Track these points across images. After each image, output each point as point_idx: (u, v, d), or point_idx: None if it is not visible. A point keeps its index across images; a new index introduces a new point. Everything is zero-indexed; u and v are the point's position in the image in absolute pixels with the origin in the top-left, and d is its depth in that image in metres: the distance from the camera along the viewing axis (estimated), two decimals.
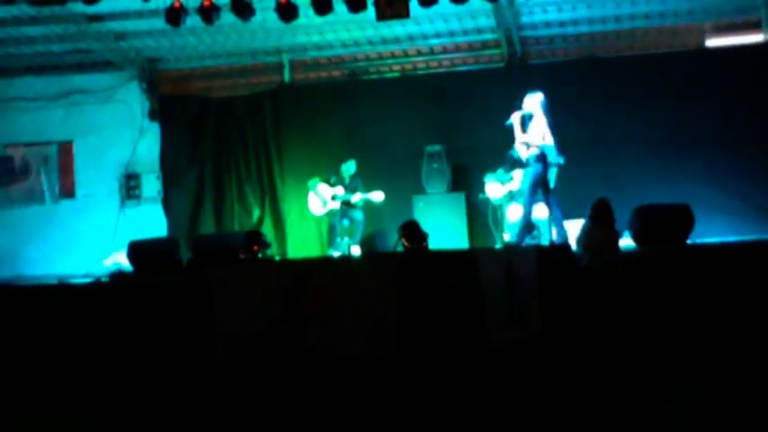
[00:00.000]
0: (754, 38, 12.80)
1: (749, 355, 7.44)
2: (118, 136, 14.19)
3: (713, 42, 13.11)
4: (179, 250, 10.50)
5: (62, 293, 9.06)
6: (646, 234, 9.08)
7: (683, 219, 9.04)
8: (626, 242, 10.36)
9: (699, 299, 7.79)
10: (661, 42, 13.40)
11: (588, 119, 12.60)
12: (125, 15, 12.41)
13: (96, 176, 14.27)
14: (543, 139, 10.71)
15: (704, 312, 7.64)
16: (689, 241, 9.05)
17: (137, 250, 10.46)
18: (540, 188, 10.73)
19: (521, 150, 10.96)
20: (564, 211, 11.57)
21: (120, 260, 12.13)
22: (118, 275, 10.41)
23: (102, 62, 14.15)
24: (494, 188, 11.76)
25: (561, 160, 10.91)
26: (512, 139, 11.61)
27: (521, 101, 12.22)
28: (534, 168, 10.70)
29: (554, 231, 10.61)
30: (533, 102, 10.98)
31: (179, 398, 7.59)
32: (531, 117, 10.91)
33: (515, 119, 10.96)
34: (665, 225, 8.97)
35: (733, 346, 7.51)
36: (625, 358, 7.35)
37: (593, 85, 12.76)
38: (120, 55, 13.86)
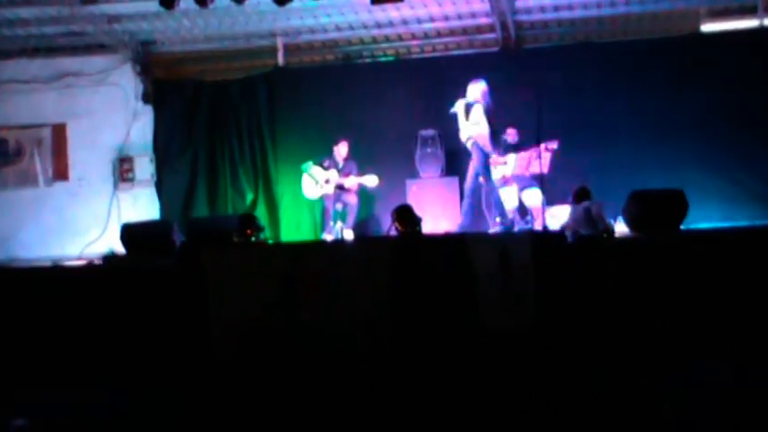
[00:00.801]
0: (749, 23, 12.81)
1: (743, 341, 7.45)
2: (111, 119, 14.17)
3: (708, 27, 13.11)
4: (172, 233, 10.46)
5: (56, 276, 9.06)
6: (640, 219, 9.06)
7: (677, 204, 9.02)
8: (620, 227, 10.38)
9: (692, 285, 7.78)
10: (656, 27, 13.38)
11: (583, 104, 12.62)
12: None
13: (90, 159, 14.24)
14: (476, 128, 11.12)
15: (697, 299, 7.64)
16: (683, 227, 9.04)
17: (130, 233, 10.42)
18: (483, 176, 11.11)
19: (464, 139, 11.06)
20: (558, 196, 11.63)
21: (112, 243, 12.14)
22: (111, 258, 10.40)
23: (95, 45, 14.09)
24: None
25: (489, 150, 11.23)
26: (502, 124, 11.68)
27: (515, 85, 12.29)
28: (478, 156, 11.09)
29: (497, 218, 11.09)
30: (476, 90, 11.22)
31: (173, 383, 7.59)
32: (473, 105, 11.20)
33: (459, 108, 11.08)
34: (660, 210, 8.95)
35: (727, 333, 7.52)
36: (620, 344, 7.36)
37: (588, 69, 12.75)
38: (114, 38, 13.79)
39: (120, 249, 10.83)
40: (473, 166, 11.39)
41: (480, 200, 11.52)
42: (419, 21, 13.50)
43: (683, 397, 6.43)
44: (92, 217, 13.96)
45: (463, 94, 11.57)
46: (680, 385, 6.62)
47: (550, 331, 7.27)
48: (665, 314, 7.45)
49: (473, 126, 11.24)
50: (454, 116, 11.42)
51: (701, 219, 10.42)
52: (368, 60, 14.44)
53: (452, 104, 11.71)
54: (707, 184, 11.69)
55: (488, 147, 11.31)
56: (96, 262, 9.88)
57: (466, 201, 11.54)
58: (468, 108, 11.31)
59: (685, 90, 12.36)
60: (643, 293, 7.46)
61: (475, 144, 11.25)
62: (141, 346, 7.95)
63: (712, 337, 7.40)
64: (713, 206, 11.47)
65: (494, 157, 11.60)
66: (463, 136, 11.41)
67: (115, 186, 14.19)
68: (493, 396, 6.71)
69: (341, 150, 12.45)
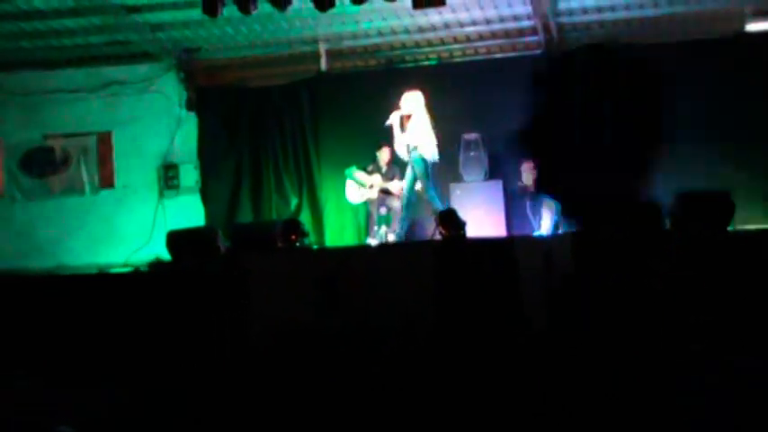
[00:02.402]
0: None
1: None
2: (156, 126, 14.29)
3: (754, 27, 12.96)
4: (217, 239, 10.53)
5: (102, 283, 9.15)
6: (685, 221, 9.00)
7: (723, 205, 8.95)
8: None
9: (738, 286, 7.72)
10: (700, 28, 13.24)
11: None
12: (162, 6, 12.45)
13: (135, 167, 14.37)
14: (423, 137, 11.22)
15: (743, 299, 7.57)
16: (729, 228, 8.96)
17: (175, 239, 10.49)
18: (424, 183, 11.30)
19: (400, 151, 11.32)
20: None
21: (158, 250, 12.22)
22: (157, 264, 10.48)
23: (139, 53, 14.21)
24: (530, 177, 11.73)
25: (436, 159, 11.41)
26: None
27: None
28: (421, 167, 11.21)
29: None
30: (412, 101, 11.36)
31: (218, 385, 7.64)
32: (409, 117, 11.32)
33: (394, 119, 11.27)
34: (705, 211, 8.88)
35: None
36: (663, 343, 7.32)
37: (631, 71, 12.66)
38: (158, 46, 13.91)
39: (165, 256, 10.91)
40: (409, 177, 11.51)
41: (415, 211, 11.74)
42: (461, 24, 13.47)
43: (722, 393, 6.38)
44: (137, 224, 14.08)
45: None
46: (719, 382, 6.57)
47: (591, 332, 7.25)
48: (709, 312, 7.40)
49: (416, 136, 11.35)
50: (389, 128, 11.52)
51: (748, 221, 10.31)
52: (410, 65, 14.42)
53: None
54: (754, 186, 11.56)
55: (436, 155, 11.46)
56: (142, 269, 9.95)
57: (403, 212, 11.62)
58: (403, 119, 11.45)
59: (731, 90, 12.24)
60: (687, 292, 7.41)
61: (416, 154, 11.35)
62: (187, 350, 8.02)
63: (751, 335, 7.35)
64: (760, 208, 11.34)
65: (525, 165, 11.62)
66: (400, 147, 11.54)
67: (160, 193, 14.31)
68: (536, 396, 6.69)
69: (384, 155, 12.45)
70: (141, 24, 13.15)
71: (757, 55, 12.33)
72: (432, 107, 11.74)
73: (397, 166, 12.42)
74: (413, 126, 11.37)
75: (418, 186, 11.53)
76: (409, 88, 11.63)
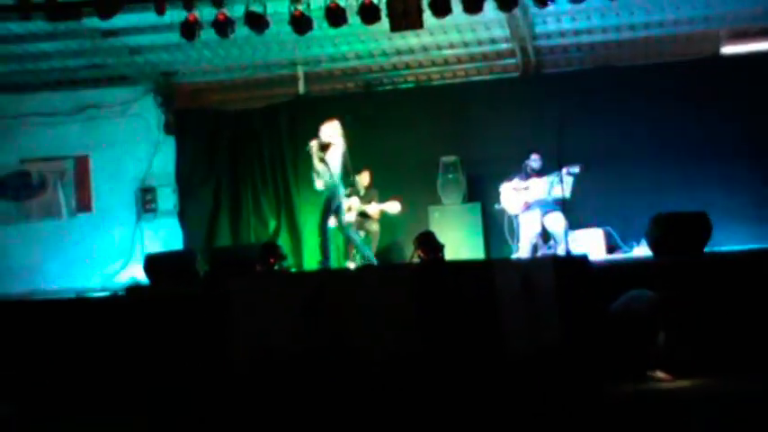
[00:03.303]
0: None
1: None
2: (134, 150, 14.24)
3: (729, 49, 13.07)
4: (196, 263, 10.50)
5: (79, 307, 9.09)
6: (663, 242, 9.03)
7: (700, 227, 8.99)
8: (643, 250, 10.34)
9: (716, 307, 7.75)
10: (676, 50, 13.36)
11: (604, 127, 12.59)
12: (140, 30, 12.40)
13: (112, 190, 14.31)
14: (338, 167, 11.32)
15: (721, 320, 7.61)
16: (706, 249, 9.00)
17: (153, 263, 10.46)
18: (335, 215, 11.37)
19: (318, 183, 11.47)
20: (580, 221, 11.64)
21: (136, 274, 12.17)
22: (134, 289, 10.44)
23: (117, 76, 14.19)
24: (509, 198, 11.75)
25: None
26: (525, 150, 11.70)
27: (536, 110, 12.32)
28: (331, 197, 11.32)
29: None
30: (331, 130, 11.47)
31: (197, 411, 7.59)
32: (326, 146, 11.40)
33: (313, 147, 11.39)
34: (683, 233, 8.92)
35: (752, 352, 7.48)
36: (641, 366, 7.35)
37: (609, 93, 12.73)
38: (136, 69, 13.90)
39: (143, 280, 10.86)
40: (329, 207, 11.48)
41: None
42: (439, 47, 13.53)
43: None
44: (115, 248, 14.01)
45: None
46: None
47: (574, 355, 7.24)
48: (689, 335, 7.42)
49: (335, 167, 11.41)
50: (308, 154, 11.64)
51: (726, 241, 10.36)
52: (388, 88, 14.47)
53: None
54: (731, 206, 11.60)
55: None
56: (120, 293, 9.91)
57: (324, 239, 11.54)
58: (323, 147, 11.49)
59: (706, 112, 12.34)
60: (670, 314, 7.43)
61: (336, 185, 11.43)
62: (165, 375, 7.97)
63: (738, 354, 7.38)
64: (738, 228, 11.39)
65: (516, 182, 11.62)
66: (315, 176, 11.63)
67: (138, 217, 14.25)
68: (517, 421, 6.67)
69: (363, 179, 12.44)
70: (119, 48, 13.14)
71: (732, 76, 12.43)
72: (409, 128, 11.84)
73: (376, 189, 12.42)
74: (332, 156, 11.44)
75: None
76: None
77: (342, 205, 11.45)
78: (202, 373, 7.82)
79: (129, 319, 8.45)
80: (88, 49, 13.04)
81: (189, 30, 11.05)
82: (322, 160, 11.36)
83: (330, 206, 11.36)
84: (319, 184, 11.55)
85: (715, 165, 12.25)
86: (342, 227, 11.50)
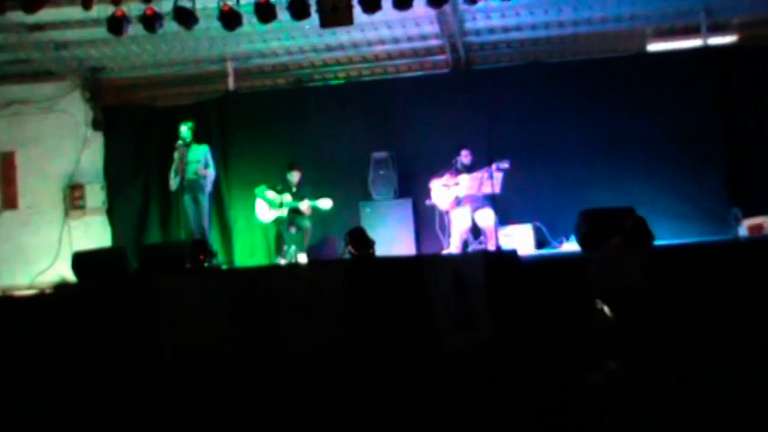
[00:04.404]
0: (694, 42, 12.99)
1: (694, 352, 7.55)
2: (61, 146, 14.02)
3: (654, 47, 13.27)
4: (125, 260, 10.40)
5: (5, 305, 8.96)
6: (591, 238, 9.14)
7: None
8: (572, 245, 10.46)
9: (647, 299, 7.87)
10: (604, 47, 13.52)
11: (533, 123, 12.70)
12: (66, 24, 12.23)
13: (39, 187, 14.07)
14: (203, 166, 12.09)
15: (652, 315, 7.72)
16: None
17: (81, 261, 10.34)
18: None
19: (172, 182, 12.10)
20: (511, 216, 11.75)
21: (64, 271, 12.01)
22: (62, 287, 10.30)
23: (43, 72, 13.97)
24: (440, 194, 11.81)
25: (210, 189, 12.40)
26: (456, 145, 11.77)
27: (466, 106, 12.40)
28: (203, 195, 12.13)
29: None
30: (186, 131, 12.19)
31: (127, 410, 7.52)
32: (187, 146, 12.14)
33: (178, 146, 12.09)
34: (610, 228, 9.03)
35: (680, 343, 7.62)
36: (574, 360, 7.43)
37: (538, 89, 12.84)
38: (62, 64, 13.69)
39: (71, 278, 10.73)
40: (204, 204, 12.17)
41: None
42: (369, 44, 13.53)
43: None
44: (42, 245, 13.79)
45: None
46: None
47: (505, 351, 7.30)
48: (620, 328, 7.52)
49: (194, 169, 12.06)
50: (175, 152, 12.15)
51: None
52: (319, 84, 14.43)
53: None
54: (657, 202, 11.76)
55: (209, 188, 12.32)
56: (48, 291, 9.77)
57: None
58: (185, 148, 12.12)
59: (633, 108, 12.51)
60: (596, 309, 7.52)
61: (199, 186, 12.10)
62: (94, 374, 7.88)
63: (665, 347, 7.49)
64: (664, 223, 11.53)
65: (446, 178, 11.68)
66: (173, 179, 12.15)
67: (66, 214, 14.04)
68: (448, 416, 6.72)
69: (294, 174, 12.41)
70: (45, 43, 12.93)
71: (658, 73, 12.61)
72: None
73: (308, 185, 12.40)
74: (191, 157, 12.08)
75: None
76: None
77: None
78: (131, 373, 7.76)
79: (57, 317, 8.34)
80: (13, 43, 12.82)
81: (117, 25, 10.93)
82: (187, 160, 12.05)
83: (204, 202, 12.20)
84: (173, 184, 12.12)
85: (642, 160, 12.42)
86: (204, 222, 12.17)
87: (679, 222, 11.93)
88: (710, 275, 8.00)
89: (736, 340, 7.58)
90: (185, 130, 12.19)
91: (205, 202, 12.20)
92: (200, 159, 12.15)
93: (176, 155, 12.10)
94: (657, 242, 10.19)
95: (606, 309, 7.45)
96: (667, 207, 12.00)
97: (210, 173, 12.22)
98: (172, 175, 12.13)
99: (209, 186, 12.26)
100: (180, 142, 12.11)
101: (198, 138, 12.90)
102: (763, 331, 7.61)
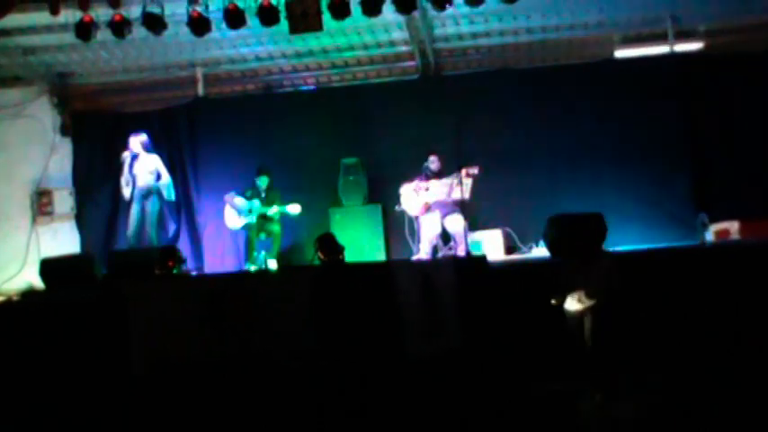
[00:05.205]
0: (661, 49, 13.10)
1: (663, 358, 7.59)
2: (29, 152, 13.91)
3: (622, 53, 13.37)
4: (93, 267, 10.32)
5: None
6: (559, 243, 9.18)
7: (595, 227, 9.15)
8: (541, 251, 10.49)
9: (613, 304, 7.91)
10: (572, 53, 13.62)
11: (502, 129, 12.76)
12: (33, 30, 12.18)
13: (7, 193, 13.94)
14: (154, 177, 12.20)
15: (617, 319, 7.77)
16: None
17: (49, 267, 10.24)
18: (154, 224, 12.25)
19: (125, 191, 12.27)
20: (480, 222, 11.78)
21: (31, 278, 11.92)
22: (30, 293, 10.22)
23: (10, 77, 13.88)
24: (410, 200, 11.82)
25: (173, 197, 12.61)
26: (425, 151, 11.80)
27: (435, 112, 12.45)
28: (152, 204, 12.16)
29: None
30: (136, 143, 12.27)
31: (96, 417, 7.48)
32: (136, 157, 12.23)
33: (126, 157, 12.18)
34: (579, 234, 9.08)
35: (648, 351, 7.66)
36: (544, 366, 7.46)
37: (507, 95, 12.91)
38: (30, 70, 13.61)
39: (39, 285, 10.64)
40: (149, 215, 12.22)
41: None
42: (339, 49, 13.54)
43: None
44: (10, 252, 13.67)
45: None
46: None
47: (475, 357, 7.32)
48: (587, 333, 7.56)
49: (149, 177, 12.22)
50: (123, 163, 12.25)
51: (620, 242, 10.56)
52: (288, 90, 14.43)
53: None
54: (625, 207, 11.84)
55: (173, 195, 12.52)
56: (15, 298, 9.69)
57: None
58: (134, 159, 12.27)
59: (601, 114, 12.60)
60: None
61: (150, 194, 12.20)
62: (61, 380, 7.84)
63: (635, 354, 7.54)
64: (632, 229, 11.62)
65: (416, 184, 11.70)
66: (123, 184, 12.27)
67: (34, 220, 13.95)
68: (417, 422, 6.73)
69: (263, 180, 12.40)
70: (12, 48, 12.86)
71: (626, 79, 12.70)
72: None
73: (277, 191, 12.39)
74: (141, 165, 12.24)
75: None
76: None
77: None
78: (99, 380, 7.72)
79: (24, 324, 8.29)
80: None
81: (84, 30, 10.90)
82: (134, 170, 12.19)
83: (159, 211, 12.45)
84: (126, 193, 12.20)
85: (610, 166, 12.49)
86: (153, 232, 12.26)
87: (646, 228, 12.01)
88: (677, 280, 8.06)
89: (702, 343, 7.64)
90: (134, 141, 12.29)
91: (154, 210, 12.23)
92: (151, 170, 12.24)
93: (125, 166, 12.20)
94: (625, 247, 10.36)
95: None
96: (635, 212, 12.09)
97: (162, 183, 12.28)
98: (123, 184, 12.22)
99: (165, 195, 12.32)
100: (126, 153, 12.21)
101: (162, 144, 12.97)
102: (728, 334, 7.68)
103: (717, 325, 7.80)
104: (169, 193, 12.44)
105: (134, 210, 12.22)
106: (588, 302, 7.60)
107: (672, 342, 7.72)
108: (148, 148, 12.39)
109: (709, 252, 9.84)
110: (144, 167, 12.21)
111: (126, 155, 12.18)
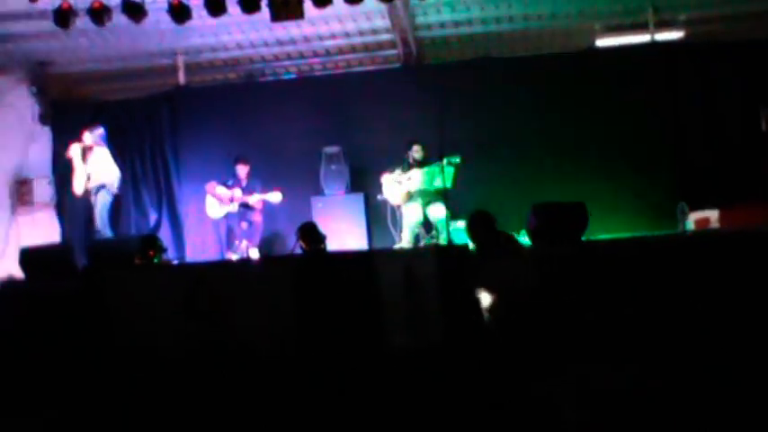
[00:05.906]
0: (642, 38, 13.14)
1: (640, 347, 7.60)
2: (7, 141, 13.78)
3: (603, 42, 13.40)
4: (74, 256, 10.28)
5: None
6: (541, 232, 9.18)
7: (577, 216, 9.17)
8: (523, 240, 10.50)
9: (596, 294, 7.91)
10: (554, 43, 13.64)
11: (484, 118, 12.76)
12: (11, 16, 12.06)
13: None
14: (107, 171, 12.10)
15: (596, 308, 7.77)
16: (583, 238, 9.18)
17: (29, 257, 10.19)
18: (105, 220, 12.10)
19: (78, 184, 12.12)
20: (462, 211, 11.77)
21: (11, 268, 11.86)
22: (9, 283, 10.16)
23: None
24: (392, 189, 11.82)
25: (115, 191, 12.31)
26: (407, 140, 11.80)
27: (417, 100, 12.44)
28: (103, 199, 12.02)
29: None
30: (92, 136, 12.12)
31: (77, 408, 7.45)
32: (89, 150, 12.07)
33: (75, 151, 12.03)
34: (561, 223, 9.09)
35: (626, 339, 7.66)
36: (529, 356, 7.45)
37: (489, 84, 12.91)
38: (8, 58, 13.49)
39: (19, 275, 10.59)
40: (101, 209, 12.09)
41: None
42: (320, 38, 13.51)
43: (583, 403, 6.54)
44: None
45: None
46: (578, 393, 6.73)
47: (459, 348, 7.31)
48: (570, 323, 7.56)
49: (102, 171, 12.08)
50: (70, 161, 12.13)
51: (602, 230, 10.58)
52: (270, 78, 14.40)
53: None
54: (606, 196, 11.86)
55: (115, 189, 12.27)
56: None
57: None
58: (85, 151, 12.11)
59: (583, 103, 12.63)
60: (551, 303, 7.56)
61: (102, 188, 12.04)
62: (41, 372, 7.79)
63: (614, 342, 7.55)
64: (613, 218, 11.66)
65: (398, 173, 11.71)
66: (80, 179, 12.10)
67: (13, 210, 13.87)
68: (399, 415, 6.72)
69: (241, 168, 12.37)
70: None
71: (607, 68, 12.73)
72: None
73: (257, 180, 12.37)
74: (95, 159, 12.04)
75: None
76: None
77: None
78: (80, 371, 7.68)
79: (3, 314, 8.24)
80: None
81: (63, 17, 10.83)
82: (85, 162, 12.06)
83: (108, 209, 12.20)
84: (78, 188, 12.09)
85: (591, 155, 12.52)
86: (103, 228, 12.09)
87: (627, 216, 12.07)
88: (657, 269, 8.07)
89: (681, 334, 7.66)
90: (89, 134, 12.16)
91: (105, 203, 12.13)
92: (104, 164, 12.16)
93: (76, 160, 12.08)
94: (605, 236, 10.39)
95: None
96: (616, 201, 12.13)
97: (115, 177, 12.24)
98: (77, 179, 12.11)
99: (114, 189, 12.22)
100: (75, 146, 12.09)
101: (143, 133, 12.98)
102: (706, 324, 7.69)
103: (694, 314, 7.81)
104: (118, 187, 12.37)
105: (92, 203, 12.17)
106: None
107: (648, 332, 7.73)
108: (103, 142, 12.28)
109: (688, 241, 9.86)
110: (98, 161, 12.08)
111: (75, 148, 12.05)
